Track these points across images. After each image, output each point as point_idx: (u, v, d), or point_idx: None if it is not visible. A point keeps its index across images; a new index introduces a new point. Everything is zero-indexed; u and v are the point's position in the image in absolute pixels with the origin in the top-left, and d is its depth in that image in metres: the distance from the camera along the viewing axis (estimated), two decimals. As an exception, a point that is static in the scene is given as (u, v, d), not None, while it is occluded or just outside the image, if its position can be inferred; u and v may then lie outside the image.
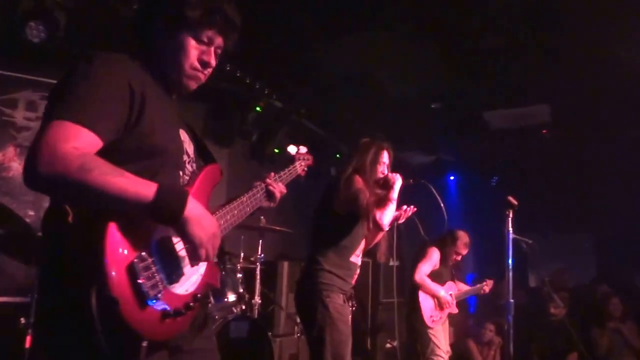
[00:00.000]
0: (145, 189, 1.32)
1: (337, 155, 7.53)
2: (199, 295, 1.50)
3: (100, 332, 1.23)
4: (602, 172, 7.48)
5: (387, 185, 3.09)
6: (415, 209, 3.29)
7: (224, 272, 4.02)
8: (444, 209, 3.28)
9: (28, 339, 3.28)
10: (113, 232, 1.28)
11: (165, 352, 1.46)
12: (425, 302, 4.91)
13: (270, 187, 1.97)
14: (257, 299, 4.40)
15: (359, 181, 2.98)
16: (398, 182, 3.09)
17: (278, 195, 2.00)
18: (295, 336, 4.88)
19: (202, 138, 1.80)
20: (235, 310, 4.10)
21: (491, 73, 5.64)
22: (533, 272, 8.40)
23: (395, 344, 5.65)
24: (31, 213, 4.48)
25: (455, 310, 5.11)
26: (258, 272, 4.46)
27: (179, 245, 1.48)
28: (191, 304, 1.45)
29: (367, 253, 3.34)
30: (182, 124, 1.69)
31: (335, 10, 4.64)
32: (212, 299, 3.85)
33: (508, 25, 4.76)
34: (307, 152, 2.40)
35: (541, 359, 6.44)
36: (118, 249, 1.28)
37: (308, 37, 5.00)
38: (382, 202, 2.99)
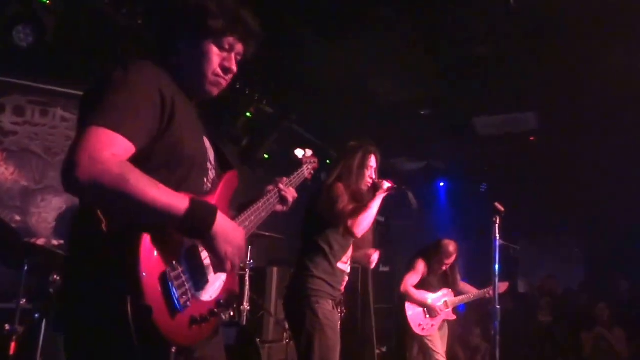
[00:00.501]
0: (178, 202, 1.35)
1: (328, 162, 7.54)
2: (221, 301, 1.57)
3: (137, 340, 1.28)
4: (591, 178, 7.54)
5: (376, 191, 3.09)
6: (379, 253, 3.35)
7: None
8: (417, 213, 3.29)
9: (12, 345, 3.25)
10: (147, 242, 1.33)
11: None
12: (413, 312, 4.95)
13: (283, 193, 2.04)
14: (246, 305, 4.39)
15: (339, 187, 2.99)
16: (381, 191, 3.09)
17: (291, 199, 2.08)
18: (284, 342, 4.87)
19: (219, 144, 1.84)
20: (223, 317, 4.07)
21: (480, 80, 5.70)
22: (521, 278, 8.45)
23: (384, 350, 5.65)
24: (18, 218, 4.45)
25: (452, 317, 5.14)
26: (247, 278, 4.45)
27: (204, 254, 1.53)
28: (215, 310, 1.52)
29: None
30: (204, 130, 1.73)
31: (326, 16, 4.67)
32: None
33: (496, 33, 4.81)
34: (312, 155, 2.45)
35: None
36: (151, 259, 1.34)
37: (299, 43, 5.03)
38: (358, 210, 2.98)
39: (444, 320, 5.11)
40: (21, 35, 3.74)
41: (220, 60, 1.67)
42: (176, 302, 1.37)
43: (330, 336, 2.84)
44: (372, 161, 3.17)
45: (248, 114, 6.05)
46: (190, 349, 1.51)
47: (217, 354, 1.75)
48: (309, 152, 2.44)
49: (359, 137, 3.25)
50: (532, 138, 7.34)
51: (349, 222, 2.94)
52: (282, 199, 2.05)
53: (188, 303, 1.41)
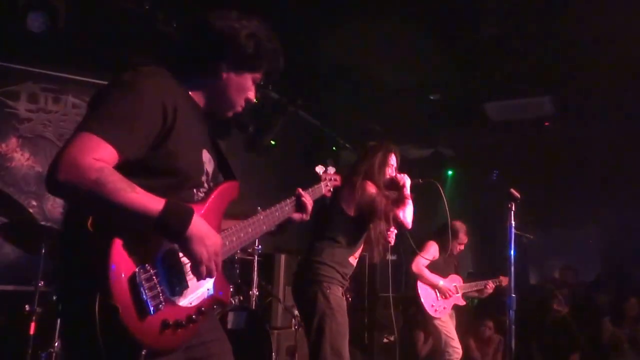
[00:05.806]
0: (153, 205, 1.46)
1: (334, 148, 7.78)
2: (203, 308, 1.65)
3: (101, 338, 1.39)
4: (607, 166, 7.63)
5: (395, 186, 3.34)
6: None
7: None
8: (447, 210, 3.52)
9: (32, 325, 3.59)
10: (119, 242, 1.44)
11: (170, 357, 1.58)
12: (425, 293, 5.23)
13: (304, 199, 2.18)
14: (255, 291, 4.66)
15: (372, 186, 3.23)
16: (408, 180, 3.35)
17: (310, 208, 2.20)
18: (293, 329, 5.12)
19: (225, 155, 1.99)
20: (233, 302, 4.39)
21: (491, 63, 5.81)
22: (534, 268, 8.61)
23: (391, 338, 5.93)
24: (34, 203, 4.80)
25: (462, 302, 5.43)
26: (255, 263, 4.70)
27: (185, 259, 1.61)
28: (194, 316, 1.60)
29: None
30: (207, 143, 1.85)
31: (333, 1, 4.84)
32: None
33: (508, 14, 4.92)
34: (335, 173, 2.57)
35: (543, 356, 6.73)
36: (123, 259, 1.44)
37: (305, 27, 5.18)
38: (400, 202, 3.23)
39: (454, 307, 5.42)
40: (34, 23, 3.97)
41: (247, 93, 1.87)
42: (145, 304, 1.44)
43: (341, 322, 3.05)
44: (393, 159, 3.43)
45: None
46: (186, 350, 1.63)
47: (217, 336, 1.91)
48: (332, 170, 2.54)
49: (369, 125, 3.48)
50: (546, 123, 7.38)
51: (400, 215, 3.18)
52: (301, 206, 2.16)
53: (160, 306, 1.48)
